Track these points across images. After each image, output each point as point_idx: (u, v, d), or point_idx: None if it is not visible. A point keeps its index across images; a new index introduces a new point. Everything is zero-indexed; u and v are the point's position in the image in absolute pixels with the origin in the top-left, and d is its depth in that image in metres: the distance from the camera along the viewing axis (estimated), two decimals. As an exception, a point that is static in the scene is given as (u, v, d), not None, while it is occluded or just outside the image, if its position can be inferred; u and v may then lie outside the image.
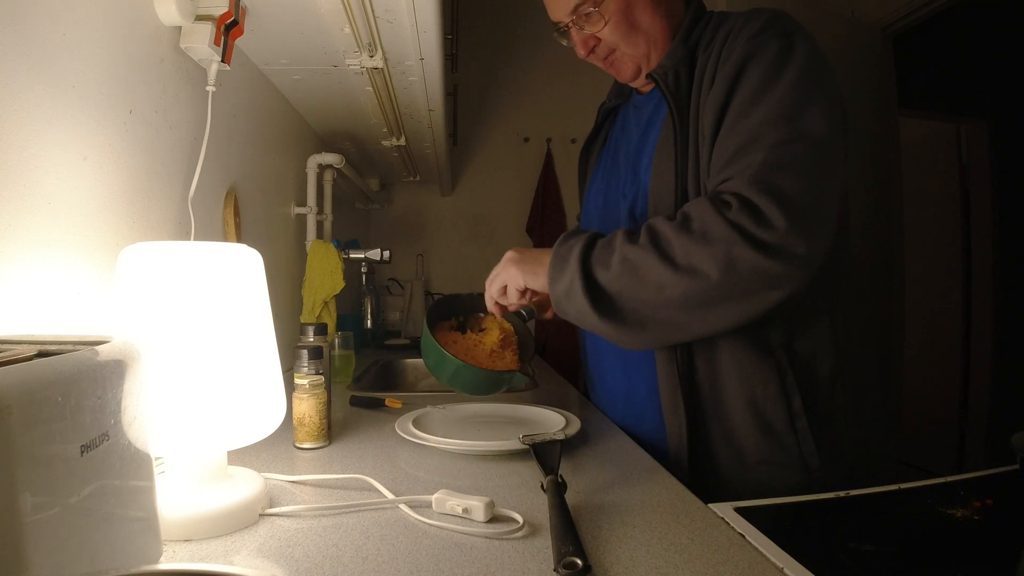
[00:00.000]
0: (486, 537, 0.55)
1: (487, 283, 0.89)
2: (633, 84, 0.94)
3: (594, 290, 0.74)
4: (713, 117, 0.77)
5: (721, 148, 0.76)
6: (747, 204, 0.69)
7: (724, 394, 0.82)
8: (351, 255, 1.67)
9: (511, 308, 0.91)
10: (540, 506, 0.62)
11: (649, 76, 0.88)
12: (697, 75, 0.82)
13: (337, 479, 0.71)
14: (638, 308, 0.74)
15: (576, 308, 0.76)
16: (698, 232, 0.70)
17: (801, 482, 0.80)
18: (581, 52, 0.88)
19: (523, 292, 0.85)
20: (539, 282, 0.82)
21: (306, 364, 0.84)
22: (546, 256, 0.81)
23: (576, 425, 0.88)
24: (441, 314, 0.97)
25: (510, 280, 0.85)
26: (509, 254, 0.86)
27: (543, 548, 0.53)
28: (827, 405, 0.84)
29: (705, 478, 0.82)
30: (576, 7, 0.84)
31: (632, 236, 0.75)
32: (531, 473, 0.72)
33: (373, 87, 1.35)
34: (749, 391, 0.81)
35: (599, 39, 0.86)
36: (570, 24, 0.86)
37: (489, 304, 0.91)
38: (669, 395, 0.83)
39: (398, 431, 0.86)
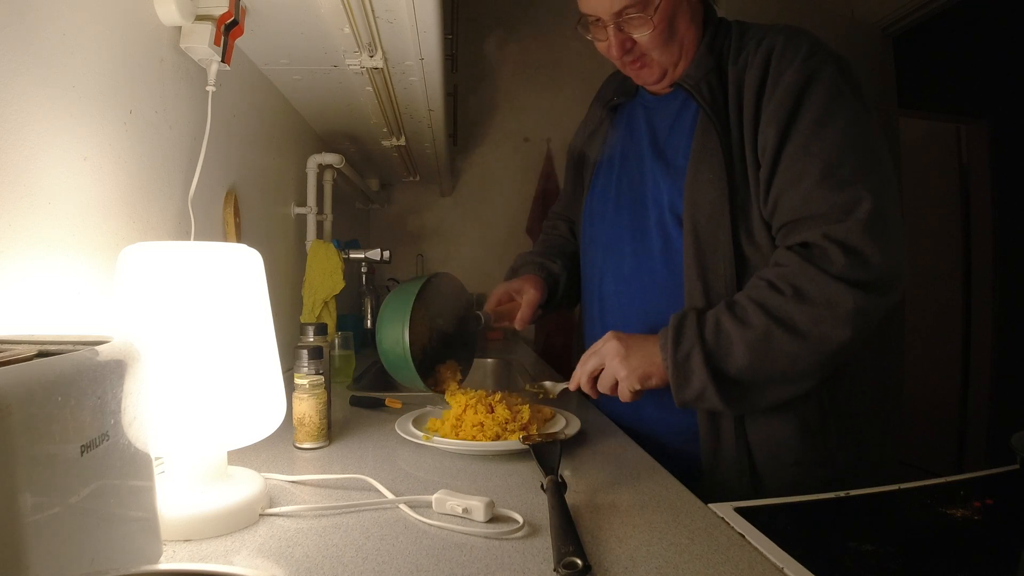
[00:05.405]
0: (486, 537, 0.55)
1: (585, 364, 0.84)
2: (653, 88, 0.94)
3: (726, 386, 0.76)
4: (775, 133, 0.78)
5: (797, 169, 0.77)
6: (849, 251, 0.73)
7: None
8: (351, 255, 1.67)
9: (616, 396, 0.84)
10: (540, 506, 0.62)
11: (676, 85, 0.87)
12: (731, 87, 0.83)
13: (337, 479, 0.71)
14: (768, 385, 0.77)
15: (706, 407, 0.80)
16: (820, 301, 0.73)
17: (829, 478, 0.80)
18: (615, 51, 0.86)
19: (636, 393, 0.81)
20: (654, 384, 0.80)
21: (306, 364, 0.84)
22: (653, 348, 0.79)
23: (576, 425, 0.88)
24: (432, 307, 0.92)
25: (623, 380, 0.81)
26: (613, 345, 0.81)
27: (543, 548, 0.53)
28: (847, 402, 0.86)
29: (741, 479, 0.83)
30: (624, 8, 0.81)
31: (738, 316, 0.76)
32: (531, 473, 0.72)
33: (373, 87, 1.35)
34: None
35: (635, 42, 0.85)
36: (609, 22, 0.84)
37: (584, 387, 0.85)
38: None
39: (398, 431, 0.86)
